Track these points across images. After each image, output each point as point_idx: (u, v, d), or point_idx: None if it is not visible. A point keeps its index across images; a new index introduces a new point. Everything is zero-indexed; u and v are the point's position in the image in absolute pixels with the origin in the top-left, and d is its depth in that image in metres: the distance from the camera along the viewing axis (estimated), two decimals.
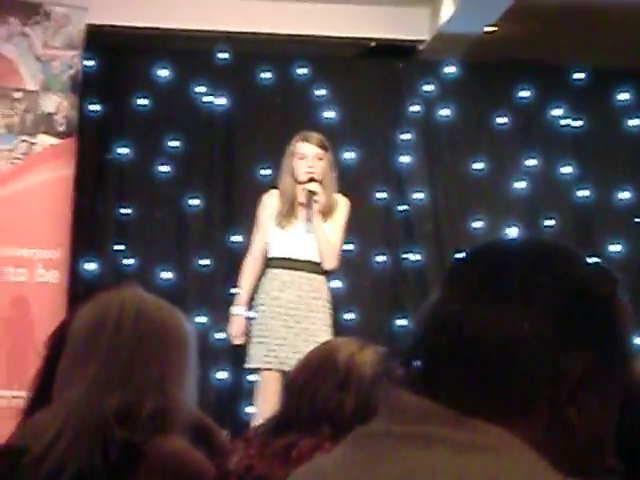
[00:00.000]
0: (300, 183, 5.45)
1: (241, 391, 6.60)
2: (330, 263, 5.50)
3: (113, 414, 1.99)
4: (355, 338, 2.54)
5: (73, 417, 2.00)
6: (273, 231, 5.51)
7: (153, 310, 2.10)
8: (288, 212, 5.47)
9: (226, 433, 2.67)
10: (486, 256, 1.15)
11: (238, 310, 5.58)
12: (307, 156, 5.44)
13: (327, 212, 5.50)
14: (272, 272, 5.49)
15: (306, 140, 5.48)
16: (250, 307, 5.57)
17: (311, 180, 5.42)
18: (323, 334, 5.26)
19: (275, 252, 5.51)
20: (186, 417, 2.07)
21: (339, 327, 5.80)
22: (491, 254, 1.15)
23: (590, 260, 1.14)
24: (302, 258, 5.45)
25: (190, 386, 2.09)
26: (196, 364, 2.13)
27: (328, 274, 5.56)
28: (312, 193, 5.41)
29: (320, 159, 5.46)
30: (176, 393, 2.05)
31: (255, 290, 5.56)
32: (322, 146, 5.49)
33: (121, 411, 1.99)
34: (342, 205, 5.59)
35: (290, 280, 5.43)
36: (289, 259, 5.46)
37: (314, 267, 5.46)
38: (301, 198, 5.47)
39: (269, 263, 5.52)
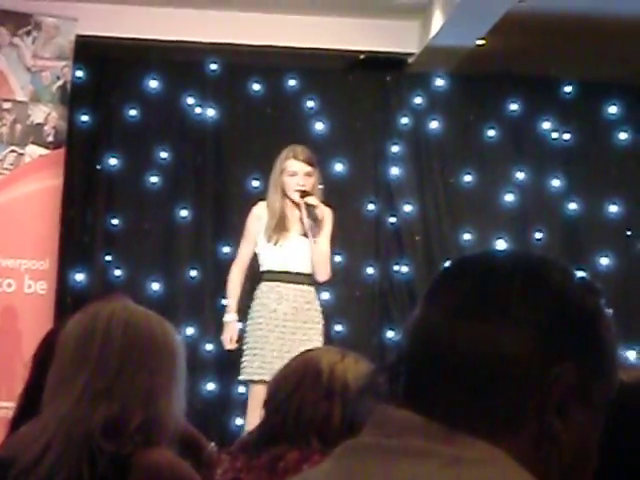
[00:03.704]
0: (290, 199, 5.52)
1: (230, 403, 6.59)
2: (324, 275, 5.62)
3: (101, 426, 1.98)
4: (333, 347, 2.53)
5: (61, 429, 2.00)
6: (264, 245, 5.57)
7: (142, 322, 2.10)
8: (278, 226, 5.54)
9: (213, 445, 2.66)
10: (470, 269, 1.15)
11: (230, 317, 5.68)
12: (297, 173, 5.52)
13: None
14: (267, 285, 5.57)
15: (295, 157, 5.55)
16: (242, 319, 5.63)
17: (305, 194, 5.48)
18: (316, 344, 5.31)
19: (269, 265, 5.59)
20: (174, 429, 2.06)
21: (328, 339, 5.83)
22: (475, 267, 1.15)
23: (573, 272, 1.14)
24: (295, 270, 5.55)
25: (179, 398, 2.09)
26: (185, 376, 2.13)
27: (318, 285, 5.62)
28: (313, 206, 5.47)
29: (309, 175, 5.55)
30: (164, 405, 2.04)
31: (248, 302, 5.63)
32: (311, 163, 5.57)
33: (109, 423, 1.99)
34: (328, 216, 5.66)
35: (286, 293, 5.53)
36: (283, 272, 5.55)
37: (306, 279, 5.56)
38: (294, 212, 5.56)
39: (263, 276, 5.60)
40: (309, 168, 5.55)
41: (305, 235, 5.57)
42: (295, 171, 5.53)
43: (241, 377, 5.64)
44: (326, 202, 5.72)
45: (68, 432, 1.99)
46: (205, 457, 2.55)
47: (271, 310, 5.51)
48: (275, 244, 5.56)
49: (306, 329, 5.51)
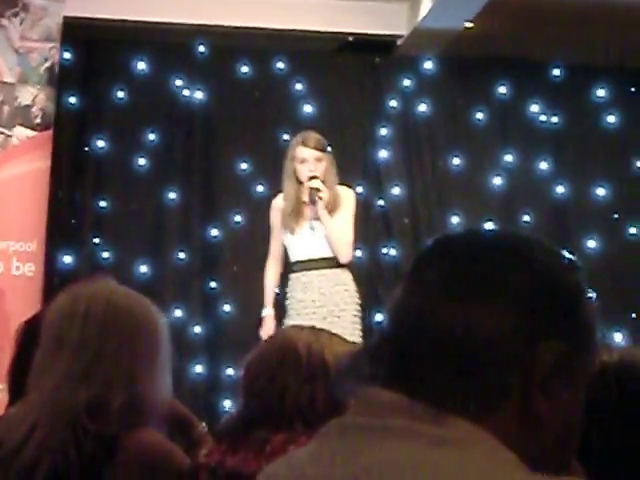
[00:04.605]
0: (302, 182, 5.52)
1: (218, 385, 6.60)
2: (344, 257, 5.58)
3: (85, 407, 1.98)
4: (305, 325, 2.52)
5: (45, 411, 2.00)
6: (286, 236, 5.58)
7: (122, 302, 2.10)
8: (295, 214, 5.54)
9: (204, 425, 2.67)
10: (452, 248, 1.15)
11: (267, 311, 5.72)
12: (308, 160, 5.51)
13: (333, 207, 5.55)
14: (293, 277, 5.61)
15: (305, 144, 5.54)
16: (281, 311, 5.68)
17: (312, 178, 5.48)
18: (350, 325, 5.36)
19: (294, 256, 5.62)
20: (160, 408, 2.07)
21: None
22: (457, 246, 1.15)
23: (554, 250, 1.14)
24: (317, 256, 5.54)
25: (163, 377, 2.09)
26: (169, 355, 2.12)
27: (347, 266, 5.60)
28: (315, 190, 5.47)
29: (320, 160, 5.54)
30: (148, 384, 2.04)
31: (283, 298, 5.68)
32: (321, 148, 5.57)
33: (92, 404, 1.99)
34: (347, 197, 5.67)
35: (309, 280, 5.52)
36: (305, 261, 5.56)
37: (330, 262, 5.54)
38: (305, 197, 5.53)
39: (290, 269, 5.61)
40: (319, 154, 5.55)
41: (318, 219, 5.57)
42: (305, 158, 5.53)
43: None
44: (346, 183, 5.74)
45: (52, 414, 1.99)
46: (196, 436, 2.56)
47: (298, 300, 5.53)
48: (292, 233, 5.56)
49: (338, 311, 5.49)
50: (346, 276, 5.58)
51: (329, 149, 5.65)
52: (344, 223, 5.60)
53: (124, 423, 1.99)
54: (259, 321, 5.75)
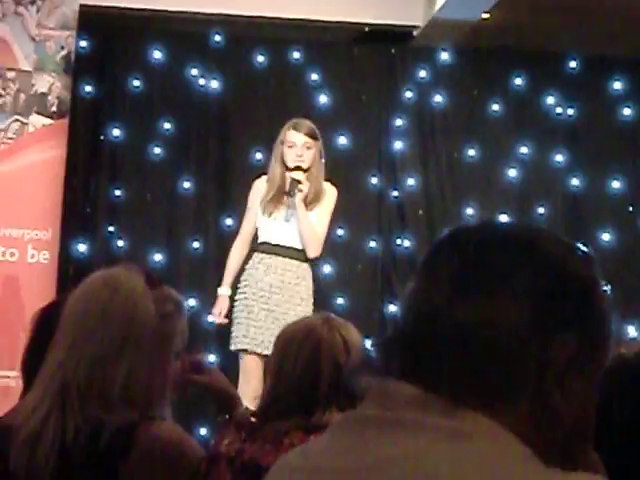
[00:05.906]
0: (288, 170, 5.50)
1: (231, 374, 6.60)
2: (313, 252, 5.57)
3: (99, 396, 2.00)
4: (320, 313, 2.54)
5: (61, 399, 2.01)
6: (260, 217, 5.57)
7: (90, 291, 2.11)
8: (274, 198, 5.53)
9: (246, 407, 2.67)
10: (467, 241, 1.14)
11: (223, 290, 5.72)
12: (296, 145, 5.50)
13: (314, 200, 5.55)
14: (258, 256, 5.58)
15: (296, 129, 5.53)
16: (235, 289, 5.65)
17: (297, 168, 5.46)
18: None
19: (262, 237, 5.60)
20: (146, 393, 2.06)
21: (329, 312, 5.83)
22: (471, 239, 1.15)
23: (569, 243, 1.14)
24: (286, 244, 5.53)
25: (140, 362, 2.05)
26: (152, 337, 2.09)
27: (312, 261, 5.60)
28: (296, 182, 5.45)
29: (309, 148, 5.52)
30: (122, 371, 2.03)
31: (241, 273, 5.63)
32: (311, 135, 5.54)
33: (107, 393, 2.00)
34: (330, 194, 5.65)
35: (274, 265, 5.51)
36: (274, 245, 5.54)
37: (298, 254, 5.53)
38: (287, 186, 5.51)
39: (256, 247, 5.59)
40: (309, 140, 5.52)
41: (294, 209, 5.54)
42: (294, 142, 5.51)
43: (231, 347, 5.65)
44: (331, 179, 5.73)
45: (67, 402, 2.01)
46: (238, 417, 2.56)
47: (258, 280, 5.51)
48: (269, 216, 5.55)
49: (292, 304, 5.47)
50: (308, 272, 5.57)
51: (320, 140, 5.63)
52: (320, 218, 5.58)
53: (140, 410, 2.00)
54: None
